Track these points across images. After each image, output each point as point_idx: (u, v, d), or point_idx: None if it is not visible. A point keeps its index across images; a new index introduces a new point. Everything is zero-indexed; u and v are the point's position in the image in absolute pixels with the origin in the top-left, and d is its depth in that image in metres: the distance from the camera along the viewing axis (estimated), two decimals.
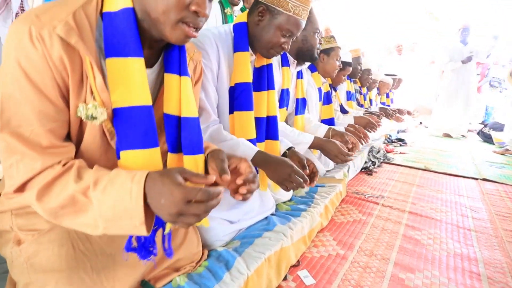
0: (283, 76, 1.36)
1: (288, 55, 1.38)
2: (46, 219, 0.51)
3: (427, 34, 5.87)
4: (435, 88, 5.74)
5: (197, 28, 0.57)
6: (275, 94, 1.11)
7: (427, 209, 1.40)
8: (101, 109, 0.52)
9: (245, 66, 0.95)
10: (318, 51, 1.39)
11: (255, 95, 1.03)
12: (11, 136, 0.47)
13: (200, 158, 0.67)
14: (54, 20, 0.47)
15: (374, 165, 2.16)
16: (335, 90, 2.31)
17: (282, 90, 1.37)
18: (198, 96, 0.82)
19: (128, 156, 0.55)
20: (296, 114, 1.55)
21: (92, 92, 0.52)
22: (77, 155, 0.56)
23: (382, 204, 1.43)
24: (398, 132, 3.73)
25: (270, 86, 1.08)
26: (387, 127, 3.77)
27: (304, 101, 1.56)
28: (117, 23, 0.53)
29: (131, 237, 0.57)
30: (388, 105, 4.03)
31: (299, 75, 1.56)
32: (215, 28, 0.99)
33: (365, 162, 2.18)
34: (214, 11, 2.27)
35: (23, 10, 1.19)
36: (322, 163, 1.83)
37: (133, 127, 0.55)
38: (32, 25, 0.46)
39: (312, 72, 1.80)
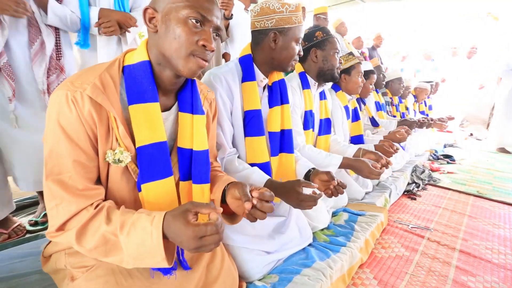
0: (305, 98, 1.39)
1: (308, 77, 1.41)
2: (93, 258, 0.61)
3: (485, 37, 5.30)
4: (490, 96, 5.17)
5: (206, 62, 0.66)
6: (289, 108, 1.15)
7: (482, 249, 1.26)
8: (126, 153, 0.62)
9: (252, 94, 1.03)
10: (339, 70, 1.41)
11: (269, 111, 1.10)
12: (53, 183, 0.57)
13: (207, 186, 0.76)
14: (84, 84, 0.58)
15: (418, 187, 2.02)
16: (364, 104, 2.24)
17: (306, 112, 1.40)
18: (215, 129, 0.92)
19: (148, 187, 0.65)
20: (319, 134, 1.54)
21: (117, 139, 0.62)
22: (106, 193, 0.66)
23: (428, 237, 1.33)
24: (445, 147, 3.44)
25: (284, 100, 1.13)
26: (431, 140, 3.50)
27: (328, 121, 1.56)
28: (135, 73, 0.64)
29: None
30: (427, 114, 3.75)
31: (322, 96, 1.56)
32: (225, 65, 1.08)
33: (408, 184, 2.05)
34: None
35: (59, 52, 1.24)
36: (360, 185, 1.76)
37: (152, 161, 0.65)
38: (68, 91, 0.57)
39: (336, 91, 1.79)
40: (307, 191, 0.90)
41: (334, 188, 0.99)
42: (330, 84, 1.84)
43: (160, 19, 0.63)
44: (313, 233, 1.23)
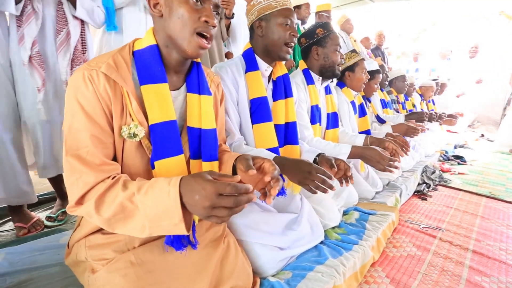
0: (310, 93, 1.41)
1: (311, 73, 1.44)
2: (112, 251, 0.65)
3: (496, 35, 5.20)
4: (503, 95, 5.08)
5: (208, 39, 0.70)
6: (293, 102, 1.18)
7: (496, 250, 1.25)
8: (140, 128, 0.66)
9: (257, 82, 1.07)
10: (340, 66, 1.43)
11: (274, 104, 1.13)
12: (73, 158, 0.61)
13: (216, 163, 0.80)
14: (99, 63, 0.64)
15: (428, 187, 2.00)
16: (369, 101, 2.26)
17: (312, 107, 1.42)
18: (223, 113, 0.96)
19: (161, 164, 0.68)
20: (327, 128, 1.56)
21: (131, 115, 0.66)
22: (122, 170, 0.69)
23: (440, 237, 1.32)
24: (455, 147, 3.39)
25: (288, 94, 1.16)
26: (442, 140, 3.46)
27: (335, 115, 1.58)
28: (144, 57, 0.69)
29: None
30: (432, 110, 3.71)
31: (328, 90, 1.58)
32: (230, 60, 1.15)
33: (419, 184, 2.03)
34: None
35: (84, 45, 1.27)
36: (370, 184, 1.76)
37: (165, 138, 0.68)
38: (85, 70, 0.62)
39: (341, 88, 1.81)
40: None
41: (344, 175, 0.99)
42: (335, 80, 1.86)
43: (163, 3, 0.68)
44: (324, 231, 1.24)
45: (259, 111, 1.06)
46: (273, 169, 0.69)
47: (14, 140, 1.13)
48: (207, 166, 0.77)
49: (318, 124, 1.44)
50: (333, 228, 1.27)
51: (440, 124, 3.39)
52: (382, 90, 2.64)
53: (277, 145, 1.09)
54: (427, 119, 2.48)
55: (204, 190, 0.51)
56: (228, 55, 2.18)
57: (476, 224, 1.49)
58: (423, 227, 1.41)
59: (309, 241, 1.09)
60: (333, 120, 1.56)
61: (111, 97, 0.63)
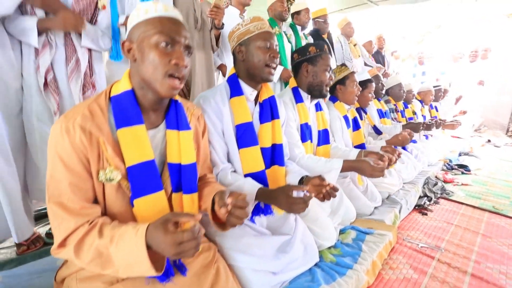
0: (299, 112, 1.43)
1: (300, 91, 1.45)
2: (102, 283, 0.69)
3: (503, 39, 5.09)
4: (509, 98, 4.97)
5: (181, 79, 0.73)
6: (280, 123, 1.20)
7: (496, 273, 1.23)
8: (115, 172, 0.69)
9: (242, 108, 1.09)
10: (327, 87, 1.44)
11: (260, 127, 1.15)
12: (54, 205, 0.65)
13: (195, 195, 0.84)
14: (75, 114, 0.67)
15: (430, 201, 1.97)
16: (366, 113, 2.25)
17: (301, 125, 1.43)
18: (207, 144, 1.00)
19: (140, 202, 0.72)
20: (318, 145, 1.57)
21: (107, 160, 0.69)
22: (106, 211, 0.73)
23: (438, 258, 1.30)
24: (460, 155, 3.33)
25: (274, 116, 1.18)
26: (446, 147, 3.41)
27: (325, 132, 1.59)
28: (121, 102, 0.73)
29: None
30: (435, 117, 3.66)
31: (318, 107, 1.58)
32: (215, 88, 1.17)
33: (420, 197, 2.00)
34: None
35: (91, 69, 1.32)
36: (369, 198, 1.74)
37: (142, 177, 0.72)
38: (62, 123, 0.66)
39: (333, 102, 1.81)
40: (299, 194, 0.93)
41: (326, 192, 1.00)
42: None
43: (136, 48, 0.72)
44: (320, 251, 1.23)
45: (244, 136, 1.08)
46: (241, 205, 0.73)
47: (17, 170, 1.18)
48: (187, 198, 0.81)
49: (309, 141, 1.45)
50: (329, 248, 1.27)
51: (442, 129, 3.34)
52: (379, 100, 2.63)
53: (263, 168, 1.11)
54: (423, 129, 2.46)
55: (165, 242, 0.57)
56: (222, 68, 2.16)
57: (476, 243, 1.46)
58: (421, 247, 1.39)
59: (302, 264, 1.09)
60: (324, 137, 1.57)
61: (86, 146, 0.66)
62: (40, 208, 1.62)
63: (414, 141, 3.08)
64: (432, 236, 1.51)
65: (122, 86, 0.75)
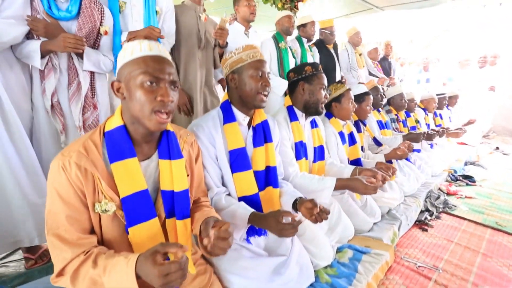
0: (293, 130, 1.46)
1: (295, 109, 1.49)
2: None
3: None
4: None
5: (168, 113, 0.78)
6: (273, 147, 1.24)
7: None
8: (110, 204, 0.75)
9: (234, 134, 1.13)
10: (323, 105, 1.48)
11: (254, 150, 1.19)
12: (53, 237, 0.71)
13: (188, 221, 0.89)
14: (71, 152, 0.74)
15: (431, 215, 1.96)
16: (365, 125, 2.26)
17: (296, 143, 1.46)
18: (201, 168, 1.05)
19: (134, 230, 0.78)
20: (314, 161, 1.59)
21: (102, 193, 0.75)
22: (103, 239, 0.79)
23: (435, 280, 1.30)
24: (466, 164, 3.28)
25: (268, 139, 1.22)
26: (452, 156, 3.36)
27: (321, 148, 1.62)
28: (113, 137, 0.78)
29: None
30: (439, 125, 3.61)
31: (313, 124, 1.61)
32: (207, 114, 1.21)
33: (421, 211, 1.99)
34: (269, 48, 2.35)
35: (93, 90, 1.38)
36: (368, 213, 1.75)
37: (136, 207, 0.77)
38: (60, 160, 0.73)
39: (329, 118, 1.84)
40: (287, 220, 0.98)
41: (317, 214, 1.03)
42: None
43: (124, 87, 0.77)
44: (316, 271, 1.25)
45: (238, 161, 1.12)
46: (223, 236, 0.75)
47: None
48: (180, 223, 0.87)
49: (304, 158, 1.48)
50: (326, 267, 1.28)
51: (447, 138, 3.29)
52: (378, 111, 2.62)
53: (256, 191, 1.15)
54: (424, 138, 2.45)
55: (153, 274, 0.61)
56: (222, 82, 2.25)
57: (476, 263, 1.45)
58: (419, 266, 1.39)
59: (297, 285, 1.11)
60: (320, 154, 1.60)
61: (82, 181, 0.72)
62: None
63: (418, 150, 3.06)
64: (430, 255, 1.51)
65: (115, 122, 0.80)
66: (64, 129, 1.31)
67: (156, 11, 1.56)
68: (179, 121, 1.85)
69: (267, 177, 1.21)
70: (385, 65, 4.01)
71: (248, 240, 1.15)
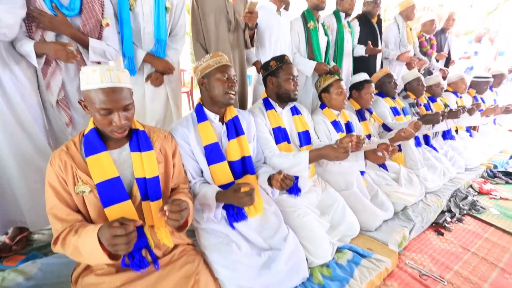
0: (269, 117, 1.58)
1: (270, 100, 1.64)
2: None
3: None
4: None
5: (124, 130, 0.95)
6: (246, 138, 1.38)
7: None
8: (85, 186, 0.93)
9: (207, 131, 1.28)
10: (295, 92, 1.59)
11: (228, 143, 1.32)
12: (50, 215, 0.92)
13: (160, 201, 1.03)
14: (58, 151, 0.96)
15: (452, 217, 1.83)
16: (371, 113, 2.19)
17: (273, 129, 1.57)
18: (180, 160, 1.20)
19: (110, 210, 0.95)
20: (300, 146, 1.67)
21: (79, 178, 0.94)
22: (91, 218, 0.97)
23: None
24: (511, 158, 2.90)
25: (239, 132, 1.36)
26: (494, 148, 2.98)
27: (306, 133, 1.69)
28: (88, 138, 0.97)
29: (124, 256, 0.94)
30: (481, 110, 3.14)
31: (294, 112, 1.70)
32: (183, 118, 1.37)
33: (442, 212, 1.86)
34: (296, 29, 2.23)
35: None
36: (378, 206, 1.68)
37: (109, 191, 0.94)
38: (52, 157, 0.94)
39: (322, 109, 1.88)
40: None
41: (281, 181, 1.17)
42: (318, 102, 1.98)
43: (88, 107, 0.93)
44: (311, 268, 1.27)
45: (212, 154, 1.27)
46: (174, 210, 0.86)
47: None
48: (154, 205, 1.02)
49: (285, 142, 1.59)
50: (322, 266, 1.30)
51: (482, 115, 2.84)
52: (393, 98, 2.41)
53: (232, 179, 1.30)
54: (444, 117, 2.20)
55: (105, 234, 0.76)
56: (257, 64, 2.25)
57: (490, 279, 1.36)
58: (422, 275, 1.34)
59: (287, 280, 1.14)
60: (305, 138, 1.68)
61: (63, 170, 0.92)
62: None
63: (452, 138, 2.76)
64: (439, 263, 1.44)
65: (89, 127, 1.00)
66: (71, 121, 1.42)
67: (166, 8, 1.61)
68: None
69: (244, 166, 1.35)
70: (441, 39, 3.45)
71: (232, 226, 1.24)
